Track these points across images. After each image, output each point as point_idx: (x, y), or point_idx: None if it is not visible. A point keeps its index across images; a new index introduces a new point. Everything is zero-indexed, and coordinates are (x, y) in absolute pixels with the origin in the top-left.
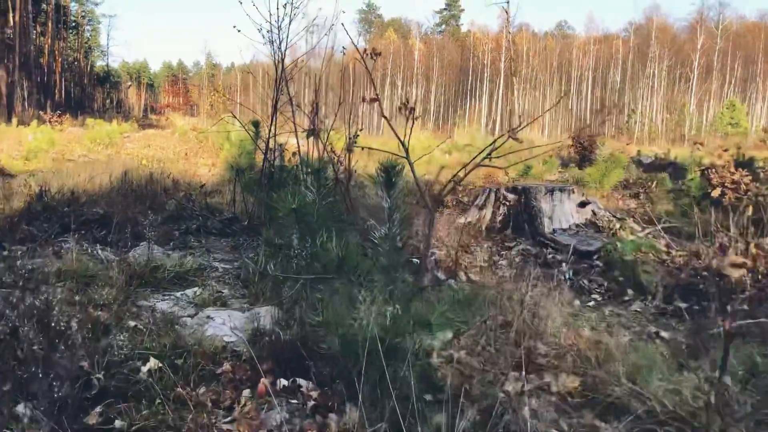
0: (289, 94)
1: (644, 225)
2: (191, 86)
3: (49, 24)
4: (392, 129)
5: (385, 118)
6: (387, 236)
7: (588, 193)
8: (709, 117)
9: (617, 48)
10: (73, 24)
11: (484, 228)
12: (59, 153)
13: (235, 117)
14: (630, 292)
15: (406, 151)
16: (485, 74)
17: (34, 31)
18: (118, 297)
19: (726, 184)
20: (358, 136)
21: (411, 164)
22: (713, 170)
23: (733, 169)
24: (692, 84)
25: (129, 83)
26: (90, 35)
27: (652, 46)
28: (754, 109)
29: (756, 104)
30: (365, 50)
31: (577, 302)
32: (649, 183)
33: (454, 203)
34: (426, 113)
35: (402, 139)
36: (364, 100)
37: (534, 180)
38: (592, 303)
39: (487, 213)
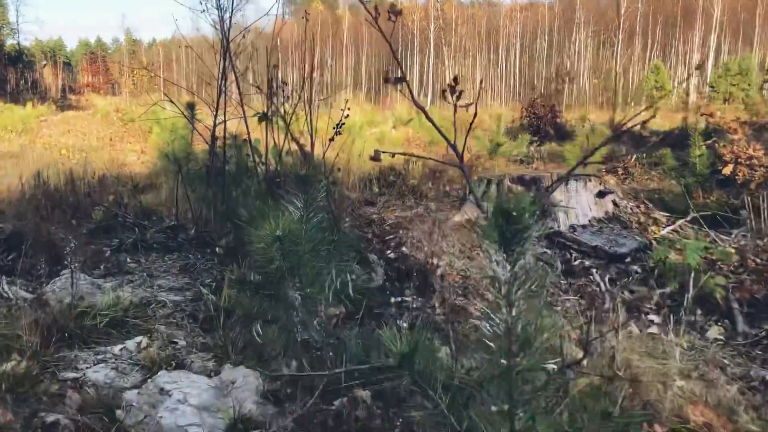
0: (235, 70)
1: (667, 214)
2: (111, 64)
3: None
4: (433, 124)
5: (421, 108)
6: (504, 334)
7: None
8: (634, 81)
9: (543, 15)
10: None
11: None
12: None
13: (171, 101)
14: (697, 311)
15: (461, 159)
16: (415, 44)
17: None
18: (31, 371)
19: (740, 160)
20: (343, 124)
21: (465, 173)
22: (723, 144)
23: (746, 143)
24: (617, 48)
25: (44, 62)
26: None
27: (577, 12)
28: (676, 72)
29: (678, 67)
30: (377, 8)
31: (634, 328)
32: (630, 158)
33: (441, 195)
34: (357, 85)
35: (453, 142)
36: (387, 80)
37: (503, 158)
38: (653, 328)
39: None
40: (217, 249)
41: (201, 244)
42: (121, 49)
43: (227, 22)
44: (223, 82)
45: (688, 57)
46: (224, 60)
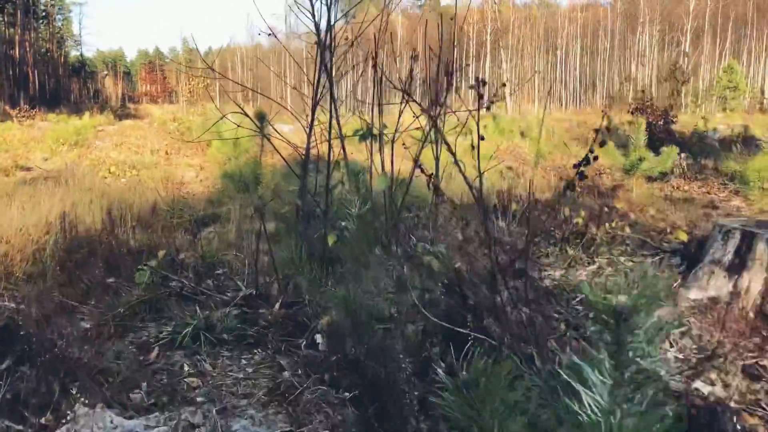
0: (329, 75)
1: None
2: (168, 72)
3: (18, 14)
4: None
5: None
6: None
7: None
8: (705, 81)
9: (604, 14)
10: (43, 13)
11: (752, 313)
12: (11, 158)
13: (242, 111)
14: None
15: None
16: (470, 48)
17: (2, 23)
18: None
19: None
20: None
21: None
22: None
23: None
24: (684, 47)
25: (105, 72)
26: (61, 24)
27: (641, 11)
28: (750, 71)
29: (751, 66)
30: None
31: None
32: None
33: (613, 241)
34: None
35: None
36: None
37: (641, 176)
38: None
39: (754, 282)
40: (317, 337)
41: (291, 327)
42: (178, 57)
43: (326, 15)
44: (320, 89)
45: (764, 56)
46: (323, 60)
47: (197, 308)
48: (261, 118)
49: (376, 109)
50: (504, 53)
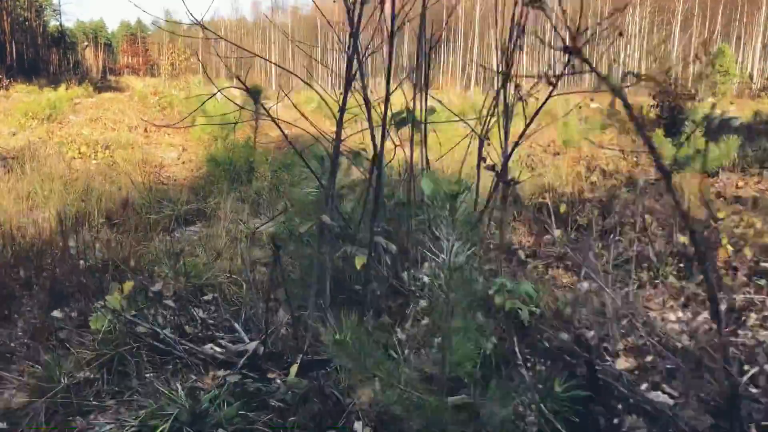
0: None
1: None
2: (150, 44)
3: None
4: None
5: None
6: None
7: None
8: (694, 66)
9: None
10: None
11: None
12: None
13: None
14: None
15: None
16: (459, 27)
17: None
18: None
19: None
20: None
21: None
22: None
23: None
24: (674, 31)
25: (86, 44)
26: None
27: None
28: (741, 55)
29: (741, 50)
30: None
31: None
32: None
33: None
34: (399, 69)
35: None
36: None
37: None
38: None
39: None
40: (356, 428)
41: (317, 407)
42: (160, 30)
43: None
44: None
45: (753, 40)
46: (358, 19)
47: (178, 377)
48: (255, 94)
49: (388, 86)
50: (492, 33)
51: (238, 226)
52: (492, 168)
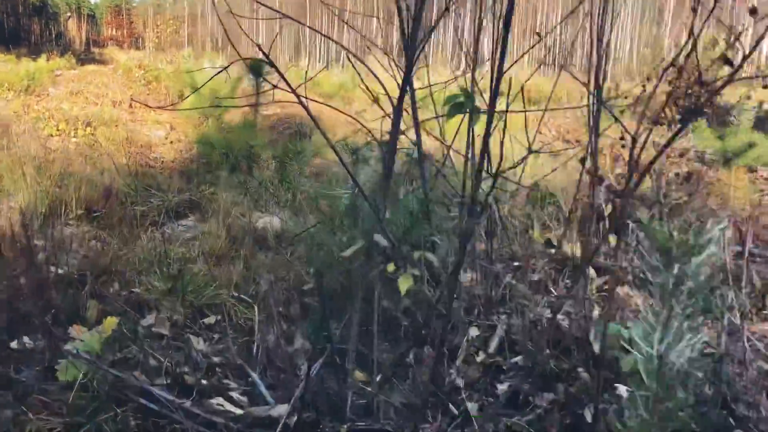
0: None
1: None
2: (135, 17)
3: None
4: None
5: None
6: None
7: None
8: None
9: None
10: None
11: None
12: None
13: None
14: None
15: None
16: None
17: None
18: None
19: None
20: None
21: None
22: None
23: None
24: (669, 14)
25: (68, 14)
26: None
27: None
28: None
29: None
30: None
31: None
32: None
33: None
34: (388, 47)
35: None
36: None
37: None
38: None
39: None
40: None
41: None
42: (145, 2)
43: None
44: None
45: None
46: None
47: None
48: (258, 69)
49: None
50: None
51: (238, 221)
52: (596, 176)
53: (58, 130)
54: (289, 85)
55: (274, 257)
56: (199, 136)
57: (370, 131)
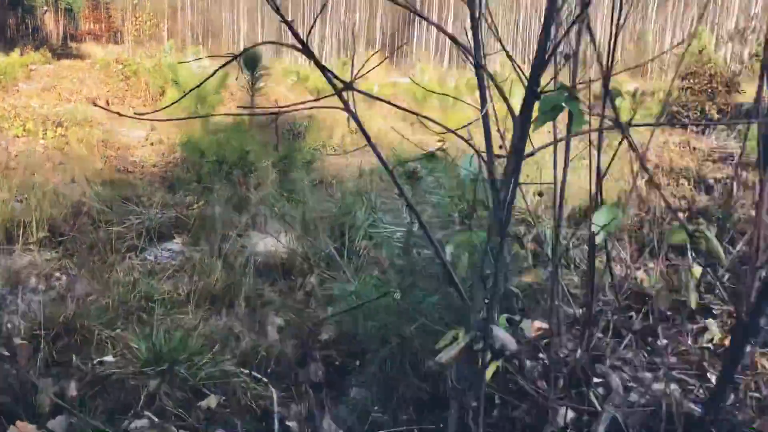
0: None
1: None
2: (113, 10)
3: None
4: None
5: None
6: None
7: None
8: (671, 46)
9: None
10: None
11: None
12: None
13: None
14: None
15: None
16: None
17: None
18: None
19: None
20: None
21: None
22: None
23: None
24: (653, 7)
25: (45, 8)
26: None
27: None
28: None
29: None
30: None
31: None
32: None
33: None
34: (371, 43)
35: None
36: None
37: None
38: None
39: None
40: None
41: None
42: None
43: None
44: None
45: (728, 22)
46: None
47: None
48: (253, 62)
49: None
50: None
51: (235, 245)
52: None
53: (24, 130)
54: (343, 82)
55: (283, 294)
56: (184, 137)
57: (473, 146)
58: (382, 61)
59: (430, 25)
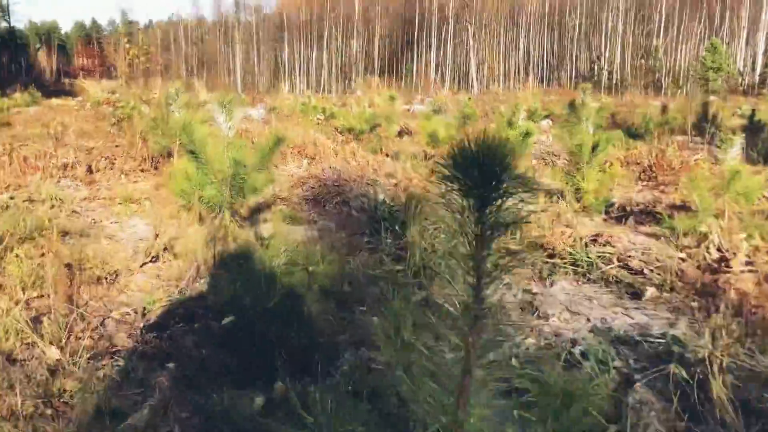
0: None
1: None
2: (106, 45)
3: None
4: None
5: None
6: None
7: None
8: (682, 62)
9: None
10: None
11: None
12: None
13: None
14: None
15: None
16: (432, 22)
17: None
18: None
19: None
20: None
21: None
22: None
23: None
24: (659, 23)
25: (38, 46)
26: None
27: None
28: (730, 49)
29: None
30: None
31: None
32: None
33: None
34: (369, 69)
35: None
36: None
37: None
38: None
39: None
40: None
41: None
42: (117, 30)
43: None
44: None
45: (741, 34)
46: None
47: None
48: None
49: None
50: (469, 29)
51: None
52: None
53: None
54: None
55: None
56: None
57: None
58: None
59: (429, 49)
